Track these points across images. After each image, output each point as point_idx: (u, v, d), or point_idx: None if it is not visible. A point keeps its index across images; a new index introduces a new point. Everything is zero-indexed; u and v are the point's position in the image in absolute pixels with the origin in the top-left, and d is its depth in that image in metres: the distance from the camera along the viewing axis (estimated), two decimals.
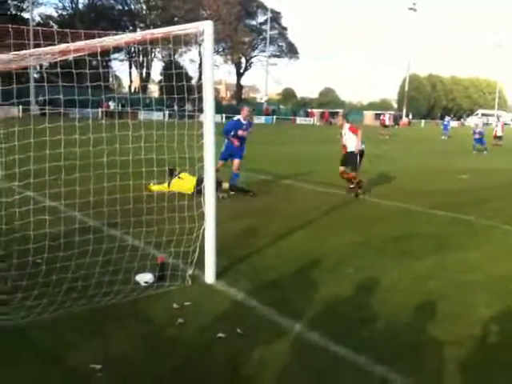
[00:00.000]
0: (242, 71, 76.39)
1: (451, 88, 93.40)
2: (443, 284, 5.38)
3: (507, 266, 6.11)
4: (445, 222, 8.43)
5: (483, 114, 75.71)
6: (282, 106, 76.19)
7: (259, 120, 57.90)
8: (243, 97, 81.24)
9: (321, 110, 69.48)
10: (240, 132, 9.85)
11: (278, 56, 76.84)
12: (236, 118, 10.24)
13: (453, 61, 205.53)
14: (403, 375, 3.54)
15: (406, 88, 76.92)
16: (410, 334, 4.21)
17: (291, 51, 77.64)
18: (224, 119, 53.15)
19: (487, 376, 3.65)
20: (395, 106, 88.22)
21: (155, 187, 8.94)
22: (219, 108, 57.93)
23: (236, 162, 10.13)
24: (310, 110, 70.53)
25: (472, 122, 41.80)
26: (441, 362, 3.77)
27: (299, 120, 63.39)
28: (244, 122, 9.98)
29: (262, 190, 10.48)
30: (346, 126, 10.72)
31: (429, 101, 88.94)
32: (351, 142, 10.55)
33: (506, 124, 35.78)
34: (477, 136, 25.09)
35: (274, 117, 59.38)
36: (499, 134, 29.28)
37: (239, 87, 78.22)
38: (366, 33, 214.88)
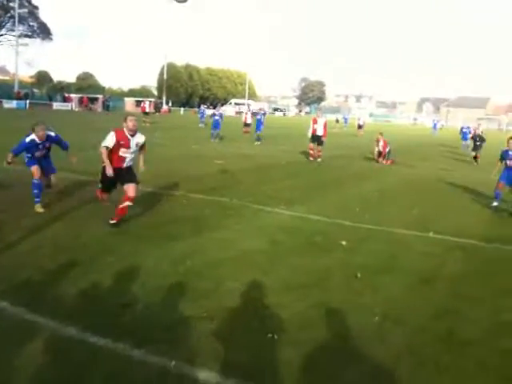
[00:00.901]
0: None
1: (207, 78, 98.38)
2: (199, 263, 5.73)
3: (255, 242, 6.82)
4: (203, 205, 8.93)
5: (236, 103, 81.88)
6: (35, 90, 70.01)
7: (10, 104, 52.43)
8: None
9: (79, 95, 66.16)
10: (37, 154, 8.24)
11: (30, 36, 70.14)
12: (28, 138, 8.10)
13: (209, 52, 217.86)
14: (160, 355, 3.68)
15: (165, 76, 78.47)
16: (167, 314, 4.39)
17: (43, 32, 71.69)
18: None
19: (238, 342, 4.03)
20: (155, 93, 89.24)
21: None
22: None
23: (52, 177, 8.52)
24: (67, 95, 66.51)
25: (226, 109, 44.63)
26: (195, 337, 4.02)
27: (56, 105, 59.15)
28: (39, 142, 8.21)
29: (13, 182, 9.54)
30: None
31: (186, 89, 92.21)
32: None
33: (254, 113, 39.04)
34: (216, 118, 25.58)
35: (27, 101, 54.20)
36: (249, 121, 32.07)
37: None
38: (125, 19, 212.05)
